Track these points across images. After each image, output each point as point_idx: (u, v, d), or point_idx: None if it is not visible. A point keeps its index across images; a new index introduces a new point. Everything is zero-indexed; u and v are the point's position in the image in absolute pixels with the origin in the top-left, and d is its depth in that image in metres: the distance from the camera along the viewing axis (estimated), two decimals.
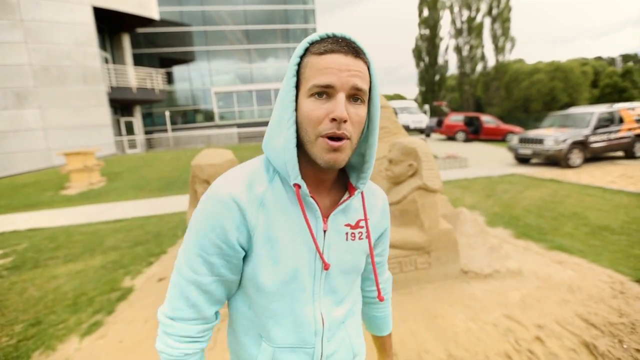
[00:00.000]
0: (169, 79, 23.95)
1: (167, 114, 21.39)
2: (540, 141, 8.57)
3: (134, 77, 17.06)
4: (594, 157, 8.75)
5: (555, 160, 8.32)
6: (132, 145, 18.13)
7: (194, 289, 0.58)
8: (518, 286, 2.48)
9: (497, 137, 15.49)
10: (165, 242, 4.34)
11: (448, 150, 11.81)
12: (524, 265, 2.83)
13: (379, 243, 0.77)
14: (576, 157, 8.25)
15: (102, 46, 16.56)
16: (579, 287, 2.50)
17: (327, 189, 0.65)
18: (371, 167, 0.63)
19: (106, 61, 16.87)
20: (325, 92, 0.54)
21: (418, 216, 2.39)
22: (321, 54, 0.54)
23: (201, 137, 20.94)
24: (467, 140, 15.82)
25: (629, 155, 9.05)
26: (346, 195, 0.65)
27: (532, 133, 9.09)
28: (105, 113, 14.93)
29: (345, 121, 0.53)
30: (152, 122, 23.60)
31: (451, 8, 25.73)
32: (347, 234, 0.65)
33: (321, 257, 0.61)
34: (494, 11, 24.38)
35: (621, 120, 8.72)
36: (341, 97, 0.53)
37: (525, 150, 8.93)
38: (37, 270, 3.61)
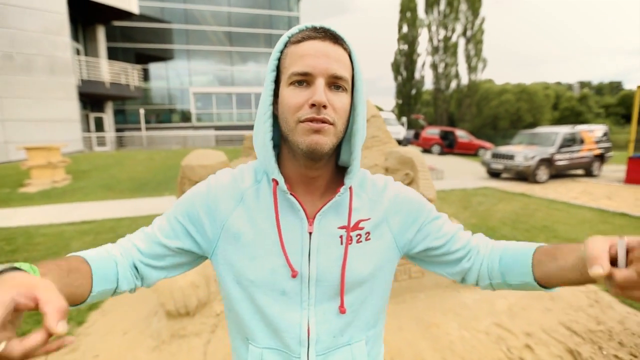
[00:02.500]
0: (145, 76, 23.00)
1: (142, 112, 20.51)
2: (511, 157, 9.07)
3: (108, 71, 16.24)
4: (558, 174, 9.38)
5: (524, 176, 8.82)
6: (101, 142, 17.15)
7: (149, 226, 0.64)
8: (505, 295, 2.56)
9: (469, 152, 16.22)
10: None
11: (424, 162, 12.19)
12: None
13: (425, 233, 0.64)
14: (543, 173, 8.80)
15: (74, 37, 15.66)
16: (559, 296, 2.62)
17: (319, 190, 0.61)
18: (357, 158, 0.58)
19: (77, 52, 15.96)
20: (304, 79, 0.52)
21: None
22: (299, 42, 0.54)
23: (177, 137, 20.21)
24: (442, 153, 16.43)
25: (588, 173, 9.79)
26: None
27: (504, 149, 9.60)
28: (73, 107, 14.03)
29: (325, 107, 0.51)
30: (124, 120, 22.49)
31: (429, 26, 26.94)
32: (341, 237, 0.58)
33: (287, 262, 0.56)
34: (468, 32, 25.80)
35: (582, 141, 9.44)
36: (320, 82, 0.51)
37: (497, 165, 9.41)
38: None
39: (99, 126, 17.56)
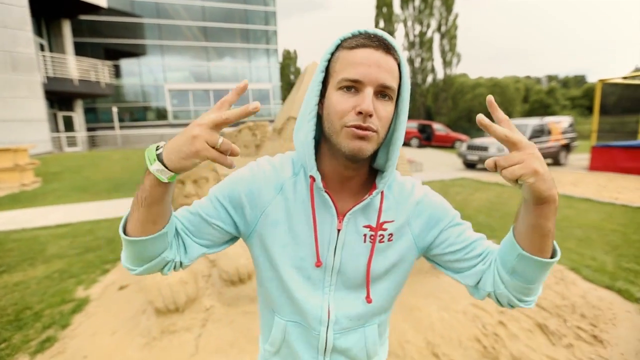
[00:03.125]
0: (116, 72, 22.02)
1: (115, 110, 19.69)
2: (485, 148, 9.46)
3: (76, 67, 15.45)
4: None
5: None
6: (72, 143, 16.37)
7: (187, 208, 0.67)
8: None
9: (446, 144, 16.73)
10: (120, 247, 3.91)
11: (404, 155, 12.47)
12: None
13: (445, 237, 0.66)
14: None
15: (38, 32, 14.78)
16: None
17: (352, 189, 0.65)
18: (393, 165, 0.62)
19: (42, 48, 15.07)
20: (353, 86, 0.55)
21: None
22: (352, 48, 0.55)
23: (153, 136, 19.59)
24: (420, 146, 16.86)
25: (556, 162, 10.37)
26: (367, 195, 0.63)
27: (478, 141, 9.99)
28: (39, 106, 13.30)
29: (371, 115, 0.54)
30: (95, 119, 21.53)
31: (405, 22, 27.35)
32: (365, 235, 0.63)
33: (317, 254, 0.62)
34: (443, 28, 26.41)
35: (549, 132, 9.98)
36: (369, 91, 0.54)
37: (473, 157, 9.79)
38: None
39: (69, 126, 16.74)
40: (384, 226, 0.64)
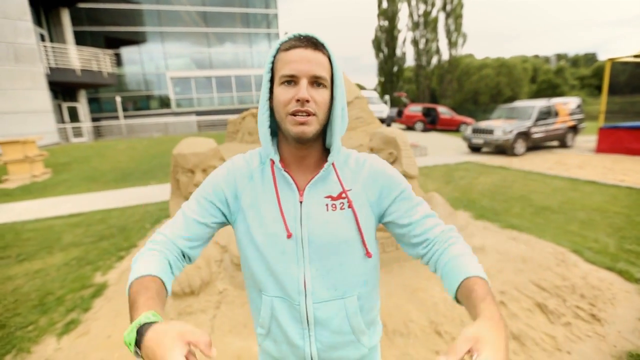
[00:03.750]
0: (117, 61, 21.86)
1: (119, 99, 19.68)
2: (490, 131, 9.36)
3: (77, 57, 15.37)
4: (535, 146, 9.79)
5: (503, 149, 9.17)
6: (78, 133, 16.49)
7: (179, 214, 0.75)
8: (482, 260, 2.81)
9: (451, 128, 16.55)
10: (133, 235, 4.14)
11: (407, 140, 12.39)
12: (485, 242, 3.19)
13: (395, 208, 0.74)
14: (520, 146, 9.17)
15: (37, 21, 14.65)
16: (531, 258, 2.90)
17: (309, 167, 0.74)
18: (336, 141, 0.73)
19: (42, 39, 14.98)
20: (291, 80, 0.66)
21: None
22: (287, 49, 0.67)
23: (157, 125, 19.61)
24: (425, 130, 16.70)
25: (562, 144, 10.24)
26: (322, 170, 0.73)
27: (484, 124, 9.87)
28: (44, 97, 13.35)
29: (307, 101, 0.65)
30: (99, 109, 21.53)
31: (409, 1, 26.50)
32: (327, 205, 0.71)
33: (285, 226, 0.70)
34: (448, 7, 25.58)
35: (557, 114, 9.81)
36: (303, 82, 0.65)
37: (478, 140, 9.71)
38: None
39: (73, 116, 16.81)
40: (343, 195, 0.72)
